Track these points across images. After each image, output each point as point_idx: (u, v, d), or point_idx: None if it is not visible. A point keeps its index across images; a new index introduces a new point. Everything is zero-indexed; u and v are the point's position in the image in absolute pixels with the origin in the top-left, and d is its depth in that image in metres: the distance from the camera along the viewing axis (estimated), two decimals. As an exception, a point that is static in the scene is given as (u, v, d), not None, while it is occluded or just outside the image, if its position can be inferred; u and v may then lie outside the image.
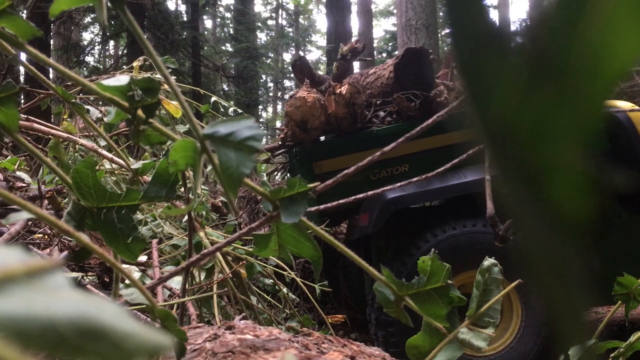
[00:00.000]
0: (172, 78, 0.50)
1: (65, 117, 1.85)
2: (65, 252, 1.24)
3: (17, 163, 1.92)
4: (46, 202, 1.44)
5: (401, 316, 0.61)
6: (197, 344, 0.65)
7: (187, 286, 0.99)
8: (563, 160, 0.16)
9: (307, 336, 0.75)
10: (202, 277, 1.13)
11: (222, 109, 2.44)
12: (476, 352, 2.27)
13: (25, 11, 6.10)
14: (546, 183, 0.16)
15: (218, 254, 1.09)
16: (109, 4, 0.46)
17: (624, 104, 2.74)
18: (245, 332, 0.70)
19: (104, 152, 1.33)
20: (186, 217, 1.12)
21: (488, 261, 0.66)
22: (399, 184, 0.76)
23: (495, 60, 0.16)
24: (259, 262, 1.20)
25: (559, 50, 0.15)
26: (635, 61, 0.15)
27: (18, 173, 1.84)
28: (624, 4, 0.14)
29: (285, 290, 1.19)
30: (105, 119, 0.88)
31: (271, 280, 1.24)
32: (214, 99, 2.43)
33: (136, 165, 0.82)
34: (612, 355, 0.72)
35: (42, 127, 1.59)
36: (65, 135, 1.52)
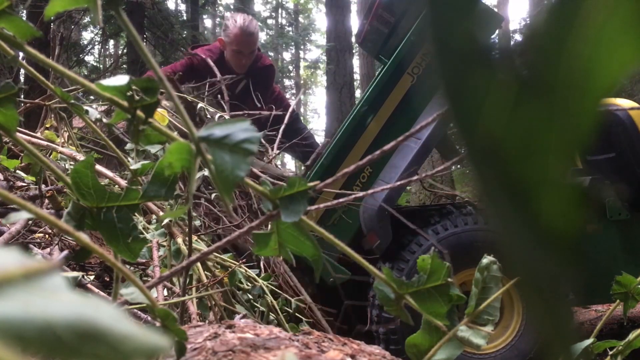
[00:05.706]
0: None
1: (47, 125, 1.86)
2: (66, 252, 1.24)
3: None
4: (46, 201, 1.44)
5: (401, 314, 0.61)
6: (197, 342, 0.65)
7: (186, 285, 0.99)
8: (553, 175, 0.16)
9: (307, 335, 0.76)
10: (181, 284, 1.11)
11: (208, 115, 2.43)
12: (477, 350, 2.26)
13: (24, 11, 6.10)
14: (535, 198, 0.16)
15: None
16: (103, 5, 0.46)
17: (624, 102, 2.72)
18: (246, 330, 0.70)
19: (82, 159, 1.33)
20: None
21: (487, 259, 0.66)
22: (371, 191, 0.75)
23: (483, 77, 0.16)
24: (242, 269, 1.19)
25: (548, 65, 0.15)
26: (624, 75, 0.15)
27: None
28: (613, 18, 0.14)
29: (270, 298, 1.18)
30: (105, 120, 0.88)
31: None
32: (200, 105, 2.43)
33: (135, 165, 0.82)
34: (611, 353, 0.72)
35: (23, 135, 1.59)
36: (45, 143, 1.53)
